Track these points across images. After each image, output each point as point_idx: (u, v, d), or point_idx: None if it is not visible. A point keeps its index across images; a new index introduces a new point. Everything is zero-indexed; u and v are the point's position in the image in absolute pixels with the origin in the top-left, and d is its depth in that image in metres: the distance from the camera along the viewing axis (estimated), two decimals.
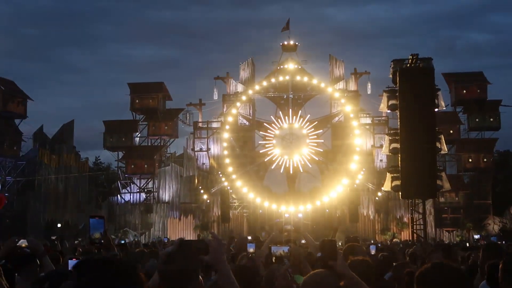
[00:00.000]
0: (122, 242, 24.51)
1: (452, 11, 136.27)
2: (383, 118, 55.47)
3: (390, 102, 41.76)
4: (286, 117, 56.71)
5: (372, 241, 33.91)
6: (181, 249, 3.28)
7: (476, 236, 28.72)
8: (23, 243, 5.20)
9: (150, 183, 57.02)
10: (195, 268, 3.18)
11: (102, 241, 4.36)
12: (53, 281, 4.39)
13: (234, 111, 56.08)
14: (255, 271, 5.13)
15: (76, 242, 18.43)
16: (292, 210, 53.63)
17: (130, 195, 56.72)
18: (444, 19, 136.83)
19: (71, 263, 4.64)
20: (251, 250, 6.37)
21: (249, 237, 28.65)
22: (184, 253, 3.21)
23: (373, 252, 8.76)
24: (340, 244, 18.40)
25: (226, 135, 54.67)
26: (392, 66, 40.80)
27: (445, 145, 45.06)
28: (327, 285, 3.78)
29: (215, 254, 3.43)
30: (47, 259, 5.16)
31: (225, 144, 54.69)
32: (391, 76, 41.45)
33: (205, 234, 46.81)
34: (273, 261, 5.11)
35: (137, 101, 57.95)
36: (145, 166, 56.10)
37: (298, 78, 56.79)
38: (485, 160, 53.81)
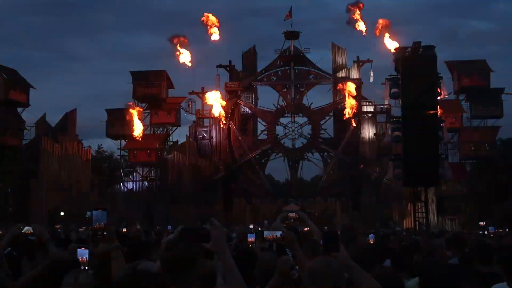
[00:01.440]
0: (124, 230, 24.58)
1: None
2: (385, 106, 55.41)
3: (393, 90, 41.72)
4: (289, 105, 56.73)
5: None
6: (183, 236, 3.35)
7: (482, 223, 28.61)
8: (28, 230, 5.26)
9: (152, 171, 57.11)
10: (196, 255, 3.23)
11: (105, 233, 4.45)
12: (59, 269, 4.44)
13: (236, 99, 56.04)
14: (252, 260, 5.14)
15: (80, 230, 18.57)
16: (295, 198, 53.77)
17: (133, 183, 56.85)
18: (446, 7, 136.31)
19: (80, 252, 4.70)
20: (251, 239, 6.22)
21: (251, 226, 28.68)
22: (185, 240, 3.27)
23: (371, 241, 8.81)
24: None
25: (228, 123, 54.66)
26: (394, 54, 40.75)
27: (447, 133, 45.11)
28: (333, 270, 3.83)
29: (217, 242, 3.49)
30: (52, 245, 5.24)
31: (227, 133, 54.68)
32: (393, 64, 41.39)
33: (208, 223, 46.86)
34: (278, 246, 5.06)
35: (139, 89, 57.92)
36: (148, 154, 56.17)
37: (300, 66, 56.76)
38: (487, 148, 53.77)
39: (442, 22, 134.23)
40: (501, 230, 25.40)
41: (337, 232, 4.66)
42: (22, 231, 5.23)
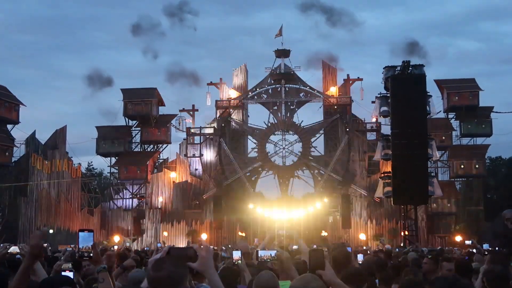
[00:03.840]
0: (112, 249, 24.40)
1: (443, 19, 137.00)
2: (375, 124, 55.58)
3: (382, 109, 41.97)
4: (279, 123, 56.81)
5: (363, 248, 33.99)
6: (170, 256, 3.34)
7: (468, 242, 28.48)
8: (14, 250, 5.24)
9: (142, 188, 56.93)
10: (183, 275, 3.23)
11: (91, 254, 4.44)
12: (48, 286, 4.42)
13: (227, 117, 56.09)
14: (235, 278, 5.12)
15: (68, 249, 18.38)
16: (285, 216, 53.63)
17: (123, 201, 56.61)
18: (435, 27, 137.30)
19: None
20: (236, 257, 6.18)
21: (242, 237, 28.55)
22: (172, 260, 3.26)
23: (360, 261, 8.78)
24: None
25: (219, 140, 54.66)
26: (384, 72, 40.99)
27: (437, 152, 45.25)
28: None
29: (204, 261, 3.49)
30: (39, 265, 5.21)
31: (217, 150, 54.66)
32: (383, 82, 41.62)
33: (198, 240, 46.72)
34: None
35: (130, 107, 57.83)
36: (138, 171, 56.00)
37: (291, 84, 56.92)
38: (477, 166, 53.94)
39: (431, 42, 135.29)
40: (490, 249, 25.39)
41: (322, 250, 4.67)
42: (8, 251, 5.22)
